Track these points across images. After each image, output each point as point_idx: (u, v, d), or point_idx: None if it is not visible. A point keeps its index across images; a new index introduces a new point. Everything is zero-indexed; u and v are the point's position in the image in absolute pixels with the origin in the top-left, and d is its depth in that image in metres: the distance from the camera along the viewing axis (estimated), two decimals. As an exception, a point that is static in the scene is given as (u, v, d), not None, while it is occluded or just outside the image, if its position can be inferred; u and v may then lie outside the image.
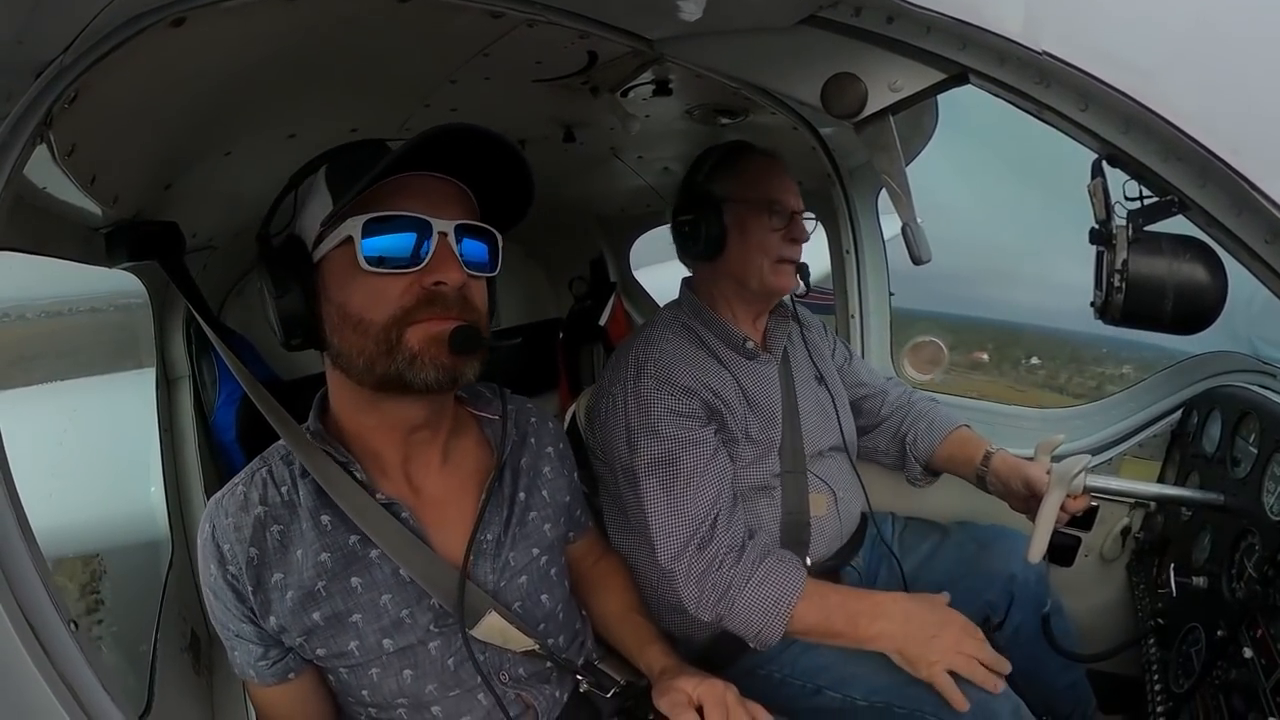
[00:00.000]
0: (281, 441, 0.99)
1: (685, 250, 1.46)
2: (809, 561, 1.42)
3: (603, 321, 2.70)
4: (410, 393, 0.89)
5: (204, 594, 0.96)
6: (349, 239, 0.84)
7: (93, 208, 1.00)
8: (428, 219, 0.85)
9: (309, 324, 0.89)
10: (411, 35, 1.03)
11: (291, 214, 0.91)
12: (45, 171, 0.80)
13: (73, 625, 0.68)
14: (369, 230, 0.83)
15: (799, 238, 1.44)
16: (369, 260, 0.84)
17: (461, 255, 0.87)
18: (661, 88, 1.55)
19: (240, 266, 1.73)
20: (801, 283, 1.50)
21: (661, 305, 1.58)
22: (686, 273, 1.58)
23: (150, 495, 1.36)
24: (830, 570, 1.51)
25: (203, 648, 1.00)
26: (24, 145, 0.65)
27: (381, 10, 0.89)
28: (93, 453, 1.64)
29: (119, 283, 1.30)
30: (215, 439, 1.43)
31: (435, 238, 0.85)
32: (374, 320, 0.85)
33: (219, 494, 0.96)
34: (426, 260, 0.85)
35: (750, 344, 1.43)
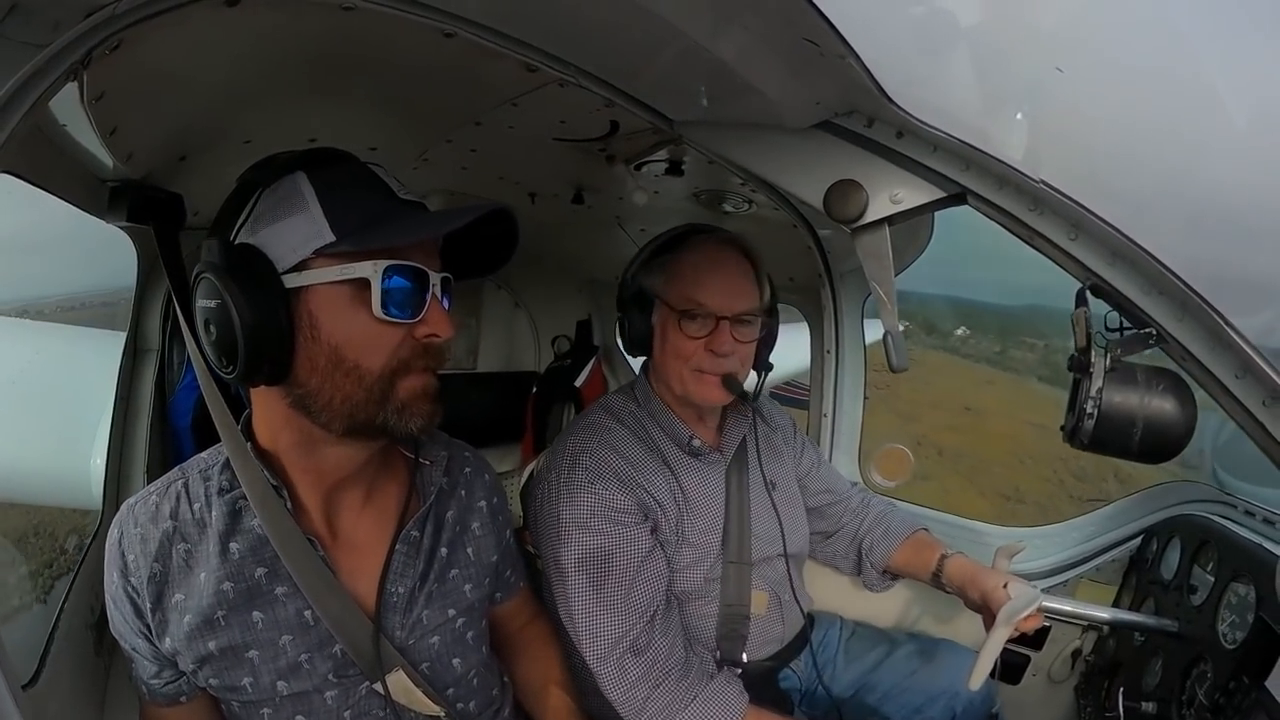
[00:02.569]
0: (205, 454, 0.94)
1: (622, 343, 1.38)
2: (745, 658, 1.38)
3: (578, 383, 2.68)
4: (378, 439, 0.88)
5: (106, 600, 0.90)
6: (361, 280, 0.79)
7: (105, 158, 0.99)
8: (427, 271, 0.83)
9: (281, 357, 0.80)
10: (448, 71, 1.07)
11: (243, 218, 0.81)
12: (69, 110, 0.79)
13: None
14: (387, 277, 0.80)
15: (718, 350, 1.27)
16: (384, 308, 0.80)
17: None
18: (674, 167, 1.62)
19: None
20: (728, 393, 1.32)
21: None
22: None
23: (90, 460, 1.28)
24: (768, 671, 1.46)
25: (109, 629, 0.93)
26: (56, 78, 0.65)
27: (427, 41, 0.92)
28: (46, 401, 1.56)
29: (130, 278, 1.29)
30: (169, 421, 1.37)
31: (430, 290, 0.84)
32: (370, 369, 0.82)
33: (133, 500, 0.91)
34: (424, 313, 0.84)
35: (696, 442, 1.36)
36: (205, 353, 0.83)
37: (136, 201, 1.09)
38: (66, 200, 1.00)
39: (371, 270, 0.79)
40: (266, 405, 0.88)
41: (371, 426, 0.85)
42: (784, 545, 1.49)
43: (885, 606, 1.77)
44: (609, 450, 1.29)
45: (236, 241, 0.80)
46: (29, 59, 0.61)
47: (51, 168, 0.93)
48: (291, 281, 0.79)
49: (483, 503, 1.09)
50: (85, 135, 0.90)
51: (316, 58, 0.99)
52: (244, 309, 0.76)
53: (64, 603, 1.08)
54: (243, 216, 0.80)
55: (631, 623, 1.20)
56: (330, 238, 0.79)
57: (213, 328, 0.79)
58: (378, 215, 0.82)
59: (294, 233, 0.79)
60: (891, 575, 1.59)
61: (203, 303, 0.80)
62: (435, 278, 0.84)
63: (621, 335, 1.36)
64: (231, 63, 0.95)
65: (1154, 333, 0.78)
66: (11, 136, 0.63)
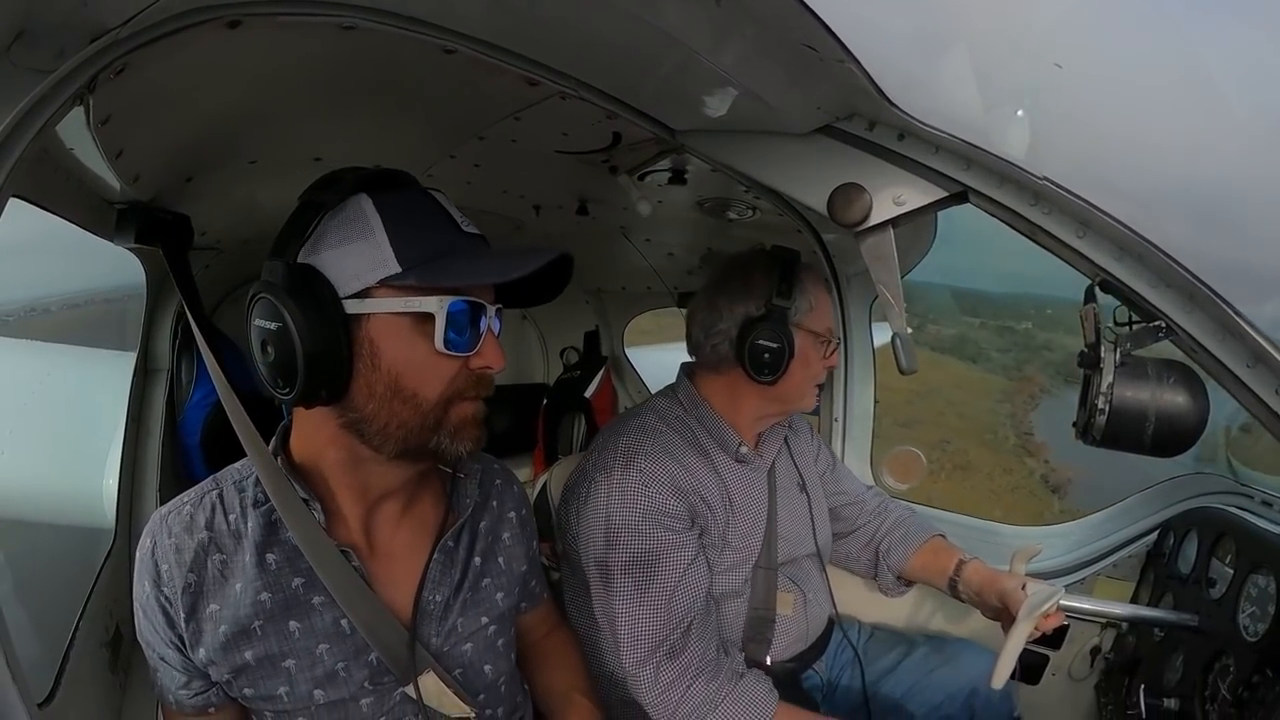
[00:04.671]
0: (239, 465, 0.95)
1: (754, 372, 1.33)
2: (770, 660, 1.39)
3: (588, 393, 2.69)
4: (428, 461, 0.91)
5: (135, 608, 0.91)
6: (425, 315, 0.81)
7: (112, 181, 1.00)
8: (485, 304, 0.85)
9: (339, 383, 0.81)
10: (450, 86, 1.08)
11: (305, 238, 0.82)
12: (76, 134, 0.80)
13: None
14: (451, 312, 0.81)
15: (835, 363, 1.46)
16: (446, 342, 0.82)
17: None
18: (677, 176, 1.63)
19: (242, 274, 1.72)
20: None
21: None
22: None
23: (102, 479, 1.30)
24: (792, 672, 1.46)
25: (124, 646, 0.93)
26: (63, 102, 0.65)
27: (427, 57, 0.93)
28: (57, 421, 1.59)
29: (133, 276, 1.31)
30: (179, 439, 1.39)
31: (485, 322, 0.86)
32: (427, 397, 0.84)
33: (165, 509, 0.91)
34: (479, 345, 0.86)
35: (744, 449, 1.40)
36: (260, 373, 0.83)
37: (144, 223, 1.10)
38: (74, 223, 1.01)
39: (437, 306, 0.80)
40: (314, 424, 0.89)
41: (424, 450, 0.87)
42: (815, 543, 1.51)
43: (903, 608, 1.76)
44: (664, 453, 1.30)
45: (298, 262, 0.81)
46: (35, 85, 0.62)
47: (59, 191, 0.94)
48: (353, 308, 0.80)
49: (512, 514, 1.10)
50: (92, 158, 0.91)
51: (319, 77, 1.00)
52: (305, 333, 0.76)
53: (79, 620, 1.08)
54: (305, 237, 0.81)
55: (671, 628, 1.22)
56: (396, 269, 0.80)
57: (270, 349, 0.79)
58: (443, 250, 0.83)
59: (358, 259, 0.80)
60: (907, 581, 1.59)
61: (260, 323, 0.80)
62: (491, 310, 0.86)
63: (763, 366, 1.32)
64: (235, 84, 0.96)
65: (1163, 325, 0.77)
66: (19, 161, 0.63)
